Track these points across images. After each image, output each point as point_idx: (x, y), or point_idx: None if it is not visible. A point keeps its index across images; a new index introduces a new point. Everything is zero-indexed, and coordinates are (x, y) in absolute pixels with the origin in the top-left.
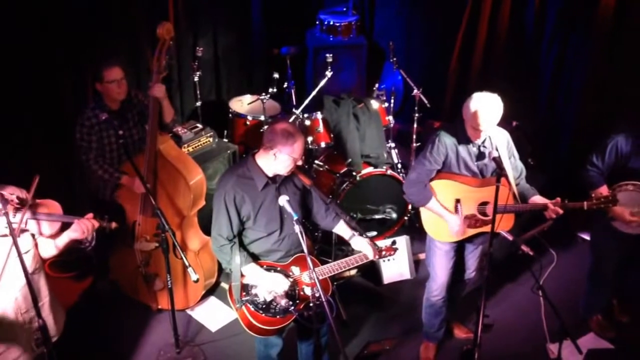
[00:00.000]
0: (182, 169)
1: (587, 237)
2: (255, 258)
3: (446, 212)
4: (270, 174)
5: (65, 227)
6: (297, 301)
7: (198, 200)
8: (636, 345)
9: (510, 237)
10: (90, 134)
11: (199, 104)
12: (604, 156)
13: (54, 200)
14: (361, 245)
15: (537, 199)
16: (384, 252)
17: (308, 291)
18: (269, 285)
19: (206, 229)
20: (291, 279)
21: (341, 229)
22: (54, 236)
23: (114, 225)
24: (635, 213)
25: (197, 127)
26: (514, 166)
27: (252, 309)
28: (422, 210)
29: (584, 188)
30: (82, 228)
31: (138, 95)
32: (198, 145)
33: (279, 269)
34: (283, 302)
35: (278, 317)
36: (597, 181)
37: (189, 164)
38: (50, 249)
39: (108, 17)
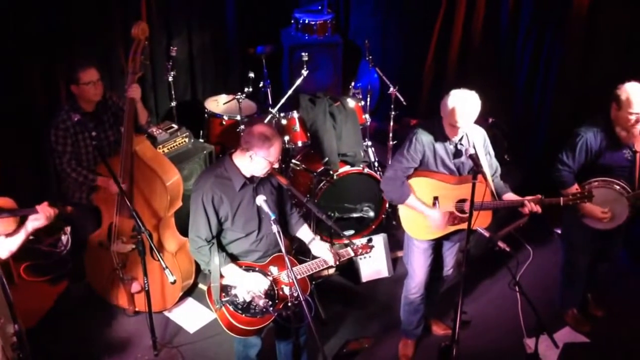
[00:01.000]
0: (159, 170)
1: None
2: (233, 258)
3: (425, 207)
4: (248, 175)
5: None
6: (276, 301)
7: (175, 201)
8: (611, 338)
9: (487, 234)
10: (65, 137)
11: (173, 104)
12: (575, 154)
13: (9, 198)
14: (320, 250)
15: (511, 196)
16: (360, 250)
17: (287, 291)
18: (249, 286)
19: (183, 230)
20: (270, 279)
21: (303, 233)
22: (11, 234)
23: (69, 209)
24: (606, 210)
25: (172, 127)
26: (489, 163)
27: (232, 310)
28: (400, 208)
29: (556, 186)
30: (45, 214)
31: (112, 97)
32: (174, 146)
33: (257, 269)
34: (262, 302)
35: (258, 317)
36: (568, 180)
37: (165, 165)
38: (8, 246)
39: (80, 16)
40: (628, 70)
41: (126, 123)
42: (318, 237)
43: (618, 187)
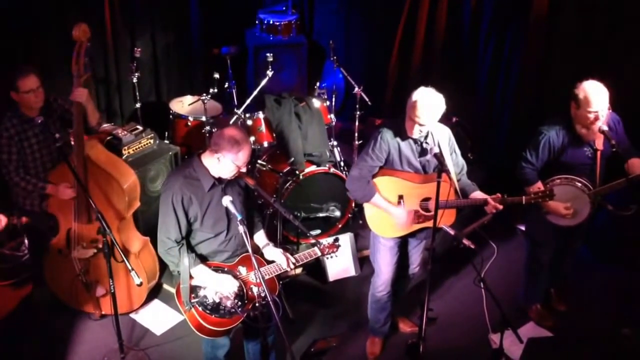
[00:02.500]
0: (114, 172)
1: (525, 228)
2: (202, 259)
3: (390, 205)
4: (216, 175)
5: None
6: (246, 301)
7: (133, 202)
8: (573, 332)
9: (452, 232)
10: (10, 145)
11: (138, 105)
12: (538, 152)
13: None
14: (274, 255)
15: (478, 194)
16: (327, 250)
17: (255, 291)
18: (218, 287)
19: (151, 231)
20: (240, 280)
21: (258, 237)
22: None
23: (24, 219)
24: (568, 207)
25: (137, 129)
26: (455, 162)
27: (201, 311)
28: (365, 207)
29: (520, 184)
30: None
31: (58, 99)
32: (139, 147)
33: (226, 269)
34: (229, 302)
35: (227, 317)
36: (532, 178)
37: (120, 167)
38: None
39: (40, 18)
40: (586, 69)
41: (75, 127)
42: (272, 244)
43: (580, 184)
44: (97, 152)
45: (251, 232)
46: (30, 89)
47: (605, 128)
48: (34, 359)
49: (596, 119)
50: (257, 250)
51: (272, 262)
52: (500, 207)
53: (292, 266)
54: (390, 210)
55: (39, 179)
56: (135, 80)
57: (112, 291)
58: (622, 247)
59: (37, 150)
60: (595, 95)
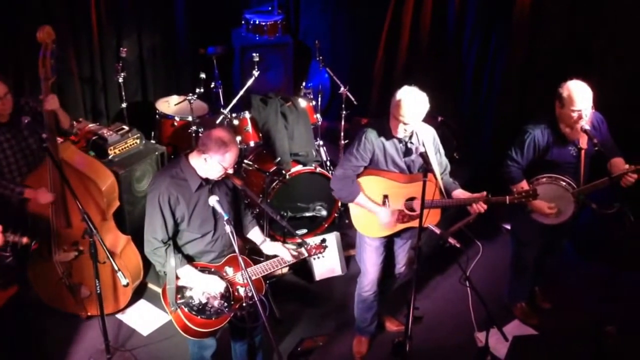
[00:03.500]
0: (91, 174)
1: (509, 227)
2: (189, 259)
3: (375, 205)
4: (203, 176)
5: None
6: (232, 302)
7: (112, 202)
8: (557, 330)
9: (437, 231)
10: None
11: (124, 105)
12: (523, 151)
13: None
14: (274, 249)
15: (459, 192)
16: (314, 251)
17: (242, 291)
18: (205, 287)
19: (137, 231)
20: (226, 280)
21: (254, 234)
22: None
23: (25, 240)
24: (552, 206)
25: (123, 129)
26: (439, 162)
27: (187, 312)
28: (351, 206)
29: (505, 183)
30: None
31: (29, 102)
32: (125, 147)
33: (213, 270)
34: (216, 303)
35: (213, 318)
36: (517, 176)
37: (97, 168)
38: None
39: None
40: (570, 68)
41: (48, 134)
42: (269, 239)
43: (564, 183)
44: (72, 154)
45: (239, 232)
46: None
47: (588, 127)
48: (19, 359)
49: (580, 117)
50: (243, 250)
51: (262, 261)
52: (484, 207)
53: (294, 259)
54: (374, 210)
55: (16, 183)
56: (121, 80)
57: (98, 292)
58: (606, 246)
59: (10, 155)
60: (579, 95)
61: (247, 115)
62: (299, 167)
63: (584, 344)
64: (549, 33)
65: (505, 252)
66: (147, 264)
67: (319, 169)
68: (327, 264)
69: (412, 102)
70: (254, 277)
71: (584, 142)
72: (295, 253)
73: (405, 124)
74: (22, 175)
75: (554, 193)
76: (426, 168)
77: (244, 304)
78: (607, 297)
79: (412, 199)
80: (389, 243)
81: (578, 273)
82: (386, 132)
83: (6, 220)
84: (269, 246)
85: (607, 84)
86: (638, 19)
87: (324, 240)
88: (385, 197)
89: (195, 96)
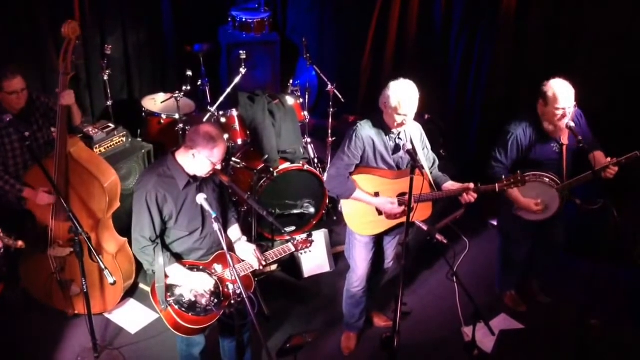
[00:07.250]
0: (95, 171)
1: (496, 223)
2: (177, 257)
3: (372, 197)
4: (191, 173)
5: None
6: (221, 299)
7: (113, 201)
8: (543, 324)
9: (425, 227)
10: None
11: (110, 103)
12: (507, 151)
13: None
14: (245, 252)
15: (449, 185)
16: (301, 245)
17: (231, 288)
18: (194, 285)
19: (123, 230)
20: (215, 278)
21: (232, 231)
22: None
23: (20, 244)
24: (539, 203)
25: (109, 127)
26: (427, 157)
27: (178, 309)
28: (343, 204)
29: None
30: None
31: (40, 97)
32: (111, 145)
33: (201, 267)
34: (205, 300)
35: (203, 315)
36: (502, 176)
37: (102, 166)
38: None
39: (9, 16)
40: (554, 66)
41: (59, 126)
42: (245, 239)
43: (548, 179)
44: (79, 149)
45: (226, 229)
46: (15, 91)
47: (572, 124)
48: (6, 358)
49: (564, 116)
50: (231, 247)
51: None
52: (475, 197)
53: (262, 265)
54: (373, 201)
55: (18, 180)
56: (106, 77)
57: (85, 290)
58: (590, 241)
59: (18, 148)
60: (563, 93)
61: (234, 113)
62: (287, 165)
63: (568, 337)
64: (533, 32)
65: (491, 247)
66: (139, 265)
67: (306, 167)
68: (315, 261)
69: (406, 91)
70: (242, 274)
71: (565, 138)
72: (263, 262)
73: (404, 115)
74: (26, 170)
75: (538, 190)
76: (414, 164)
77: (233, 301)
78: (590, 290)
79: (403, 194)
80: (378, 239)
81: (565, 268)
82: (376, 129)
83: (1, 216)
84: (241, 247)
85: (589, 83)
86: (621, 18)
87: (310, 235)
88: (377, 194)
89: (182, 94)
